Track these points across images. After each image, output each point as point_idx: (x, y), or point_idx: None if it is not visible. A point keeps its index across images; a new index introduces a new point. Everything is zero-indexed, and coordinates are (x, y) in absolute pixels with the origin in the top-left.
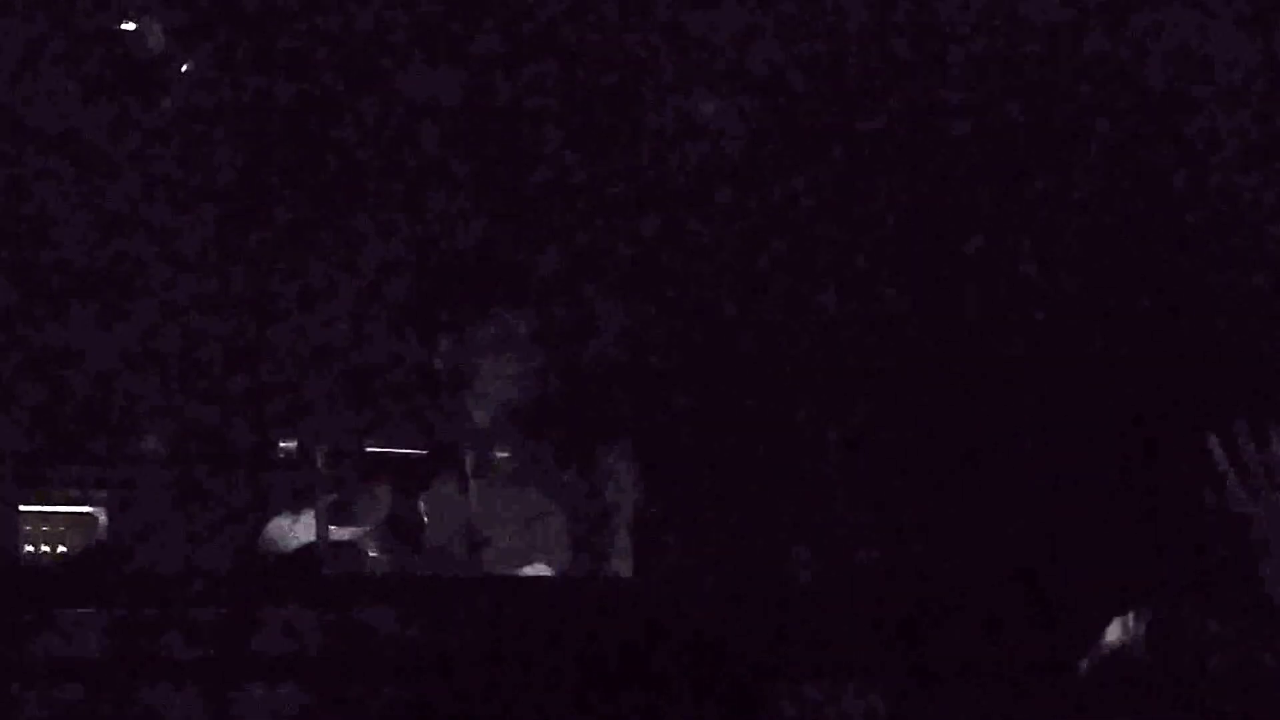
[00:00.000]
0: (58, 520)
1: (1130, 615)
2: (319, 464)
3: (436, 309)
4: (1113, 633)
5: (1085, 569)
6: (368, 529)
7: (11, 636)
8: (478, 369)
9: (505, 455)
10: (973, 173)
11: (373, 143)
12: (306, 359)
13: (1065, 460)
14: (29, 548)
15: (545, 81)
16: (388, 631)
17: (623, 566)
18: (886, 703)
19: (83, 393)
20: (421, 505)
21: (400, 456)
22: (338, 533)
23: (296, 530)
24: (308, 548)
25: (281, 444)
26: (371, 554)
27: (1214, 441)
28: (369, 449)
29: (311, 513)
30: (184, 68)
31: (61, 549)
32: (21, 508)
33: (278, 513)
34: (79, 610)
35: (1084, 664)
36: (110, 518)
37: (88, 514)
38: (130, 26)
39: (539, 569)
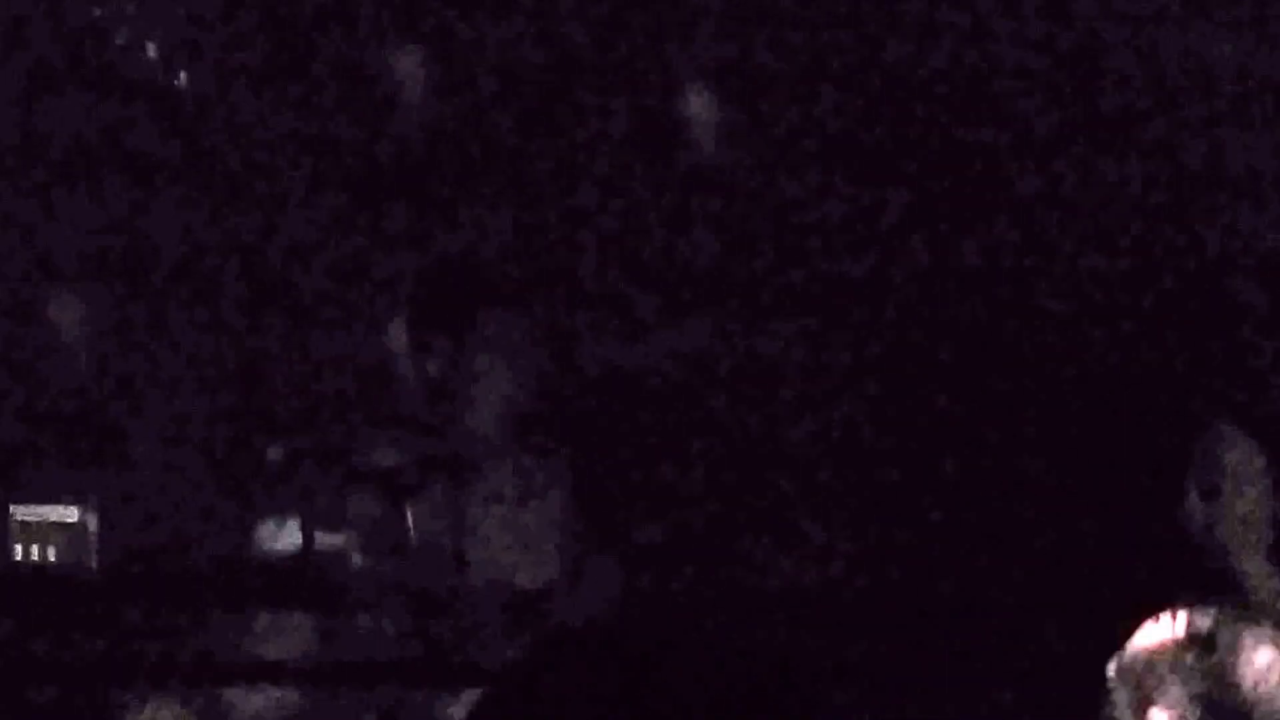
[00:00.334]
0: (46, 525)
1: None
2: (306, 470)
3: (430, 313)
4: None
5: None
6: (354, 536)
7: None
8: (471, 374)
9: (496, 462)
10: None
11: (364, 144)
12: (296, 363)
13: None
14: (18, 549)
15: (541, 81)
16: (372, 637)
17: (610, 579)
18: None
19: (71, 396)
20: (408, 513)
21: (388, 463)
22: (323, 539)
23: (282, 536)
24: (294, 554)
25: (269, 450)
26: (357, 561)
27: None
28: (356, 455)
29: (298, 519)
30: (180, 80)
31: (50, 553)
32: (11, 510)
33: (264, 519)
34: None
35: None
36: (99, 522)
37: (76, 520)
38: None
39: (527, 580)
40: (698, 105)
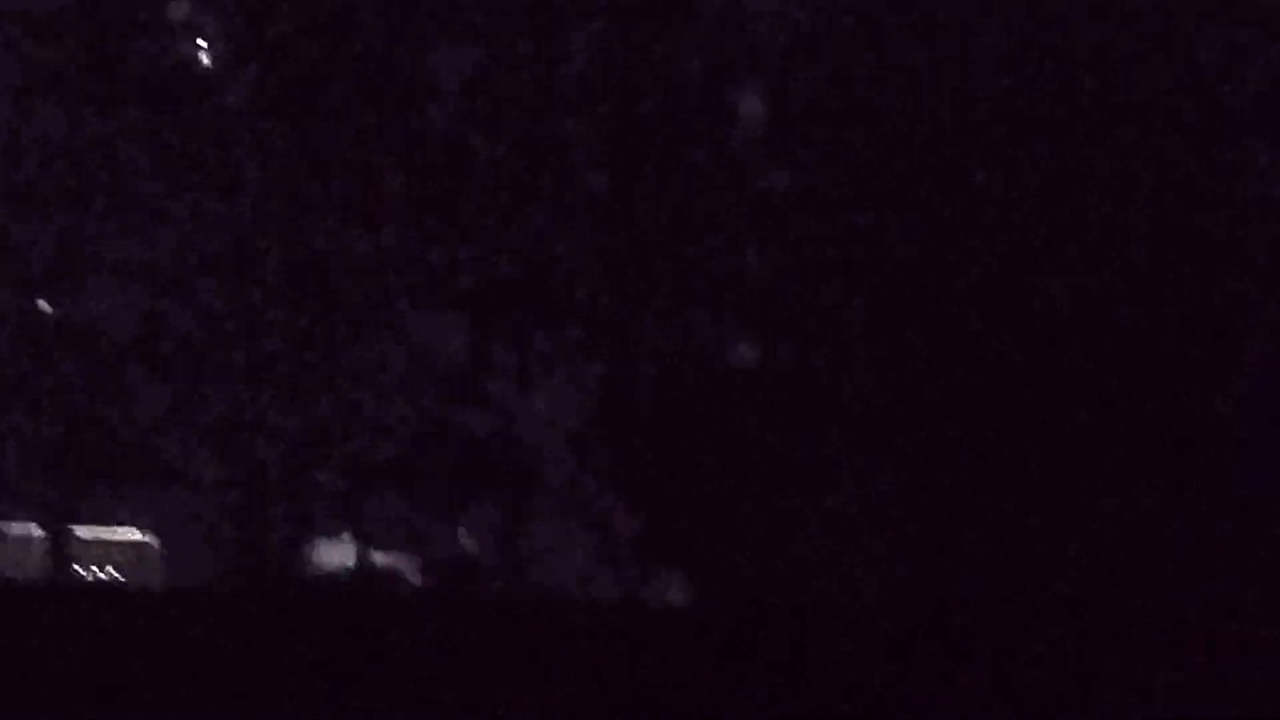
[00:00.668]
0: (112, 545)
1: None
2: (361, 488)
3: (487, 331)
4: None
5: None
6: (408, 553)
7: (64, 656)
8: (528, 390)
9: (552, 477)
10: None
11: (425, 164)
12: (352, 383)
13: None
14: (81, 570)
15: (591, 103)
16: (427, 652)
17: (675, 592)
18: None
19: (135, 420)
20: (462, 529)
21: (443, 480)
22: (379, 557)
23: (338, 554)
24: (349, 571)
25: (324, 469)
26: (411, 578)
27: None
28: (411, 473)
29: (353, 536)
30: (229, 87)
31: (113, 572)
32: (75, 531)
33: (321, 537)
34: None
35: None
36: (162, 541)
37: (140, 538)
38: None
39: (584, 592)
40: (753, 128)
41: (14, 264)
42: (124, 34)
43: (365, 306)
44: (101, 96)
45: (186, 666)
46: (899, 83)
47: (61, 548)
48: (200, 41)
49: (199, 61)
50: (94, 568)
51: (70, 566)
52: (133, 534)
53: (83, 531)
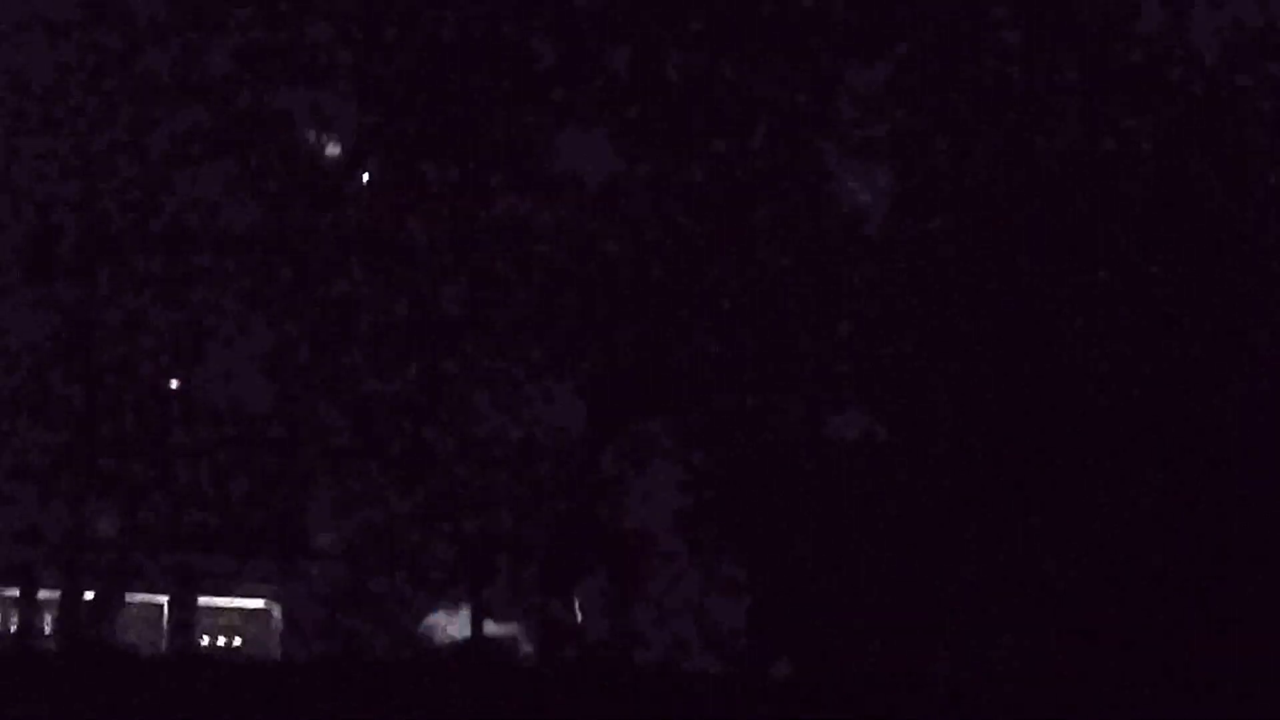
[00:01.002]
0: (234, 613)
1: None
2: (476, 560)
3: (603, 413)
4: None
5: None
6: (522, 624)
7: None
8: (639, 470)
9: (663, 551)
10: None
11: (542, 255)
12: (470, 460)
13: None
14: (206, 639)
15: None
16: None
17: (781, 665)
18: None
19: (256, 494)
20: (576, 601)
21: (556, 552)
22: (494, 627)
23: (454, 624)
24: (465, 641)
25: (440, 542)
26: (526, 648)
27: None
28: (526, 545)
29: (468, 607)
30: (364, 177)
31: (238, 641)
32: (200, 601)
33: (437, 608)
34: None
35: None
36: (284, 612)
37: (262, 608)
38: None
39: (697, 665)
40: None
41: (146, 343)
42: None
43: (486, 384)
44: None
45: None
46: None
47: (185, 617)
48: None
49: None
50: (221, 637)
51: (193, 634)
52: (257, 603)
53: (208, 600)
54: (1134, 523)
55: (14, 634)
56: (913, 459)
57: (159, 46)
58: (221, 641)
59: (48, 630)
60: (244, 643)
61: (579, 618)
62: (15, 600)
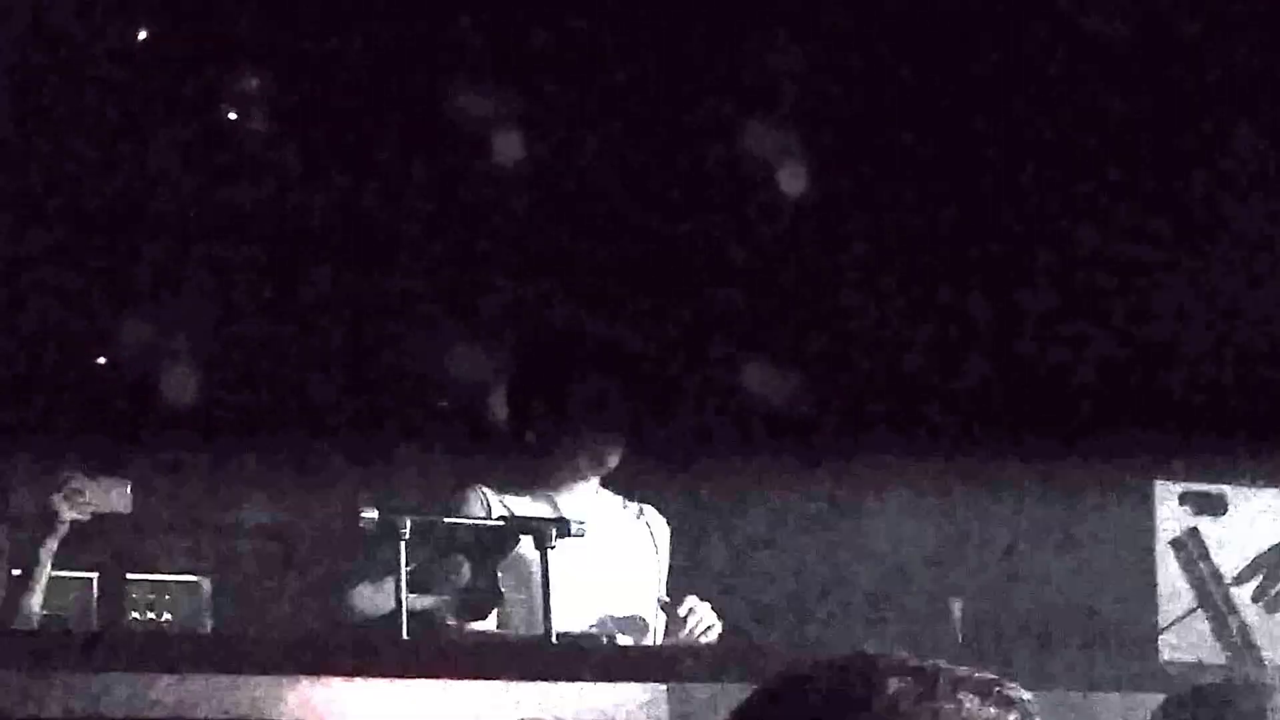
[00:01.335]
0: (164, 588)
1: None
2: (401, 533)
3: (527, 379)
4: None
5: None
6: (446, 598)
7: (120, 701)
8: (565, 439)
9: (583, 524)
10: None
11: (466, 213)
12: (392, 427)
13: None
14: (135, 615)
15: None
16: (465, 693)
17: (709, 637)
18: None
19: (186, 463)
20: (500, 574)
21: (480, 525)
22: (417, 601)
23: (378, 599)
24: (389, 616)
25: (363, 514)
26: (450, 622)
27: None
28: (449, 519)
29: (392, 581)
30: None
31: (167, 616)
32: (128, 576)
33: (360, 581)
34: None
35: None
36: (214, 586)
37: (193, 582)
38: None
39: (621, 639)
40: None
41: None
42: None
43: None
44: None
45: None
46: None
47: (114, 591)
48: None
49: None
50: (150, 612)
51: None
52: (186, 578)
53: (137, 576)
54: None
55: None
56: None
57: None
58: (150, 616)
59: None
60: (174, 617)
61: (502, 591)
62: None
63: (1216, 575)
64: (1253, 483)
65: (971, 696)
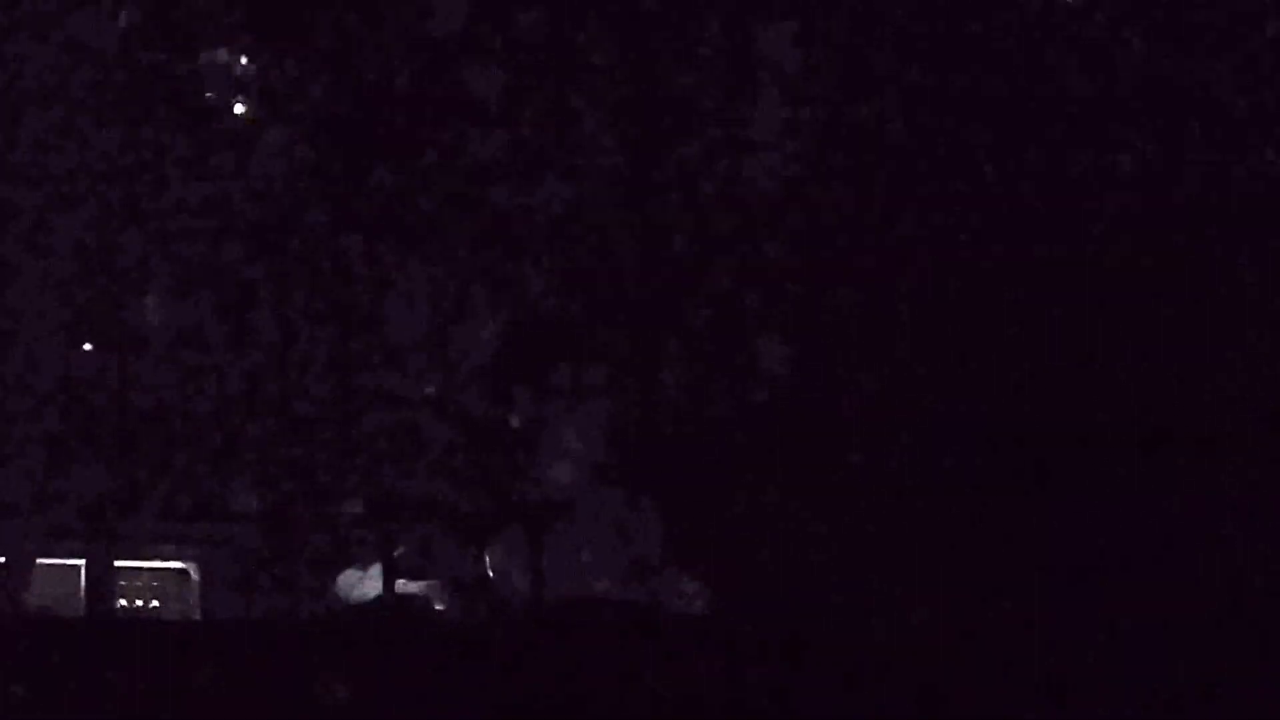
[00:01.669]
0: (151, 575)
1: None
2: (389, 518)
3: (511, 366)
4: None
5: None
6: (434, 582)
7: (104, 686)
8: (552, 424)
9: (571, 506)
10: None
11: (449, 199)
12: (381, 416)
13: None
14: (123, 602)
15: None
16: (452, 677)
17: (696, 604)
18: None
19: (173, 453)
20: (487, 558)
21: (467, 510)
22: (405, 585)
23: (366, 583)
24: (376, 600)
25: (351, 500)
26: (438, 606)
27: None
28: (437, 503)
29: (380, 566)
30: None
31: (155, 603)
32: (116, 563)
33: (348, 566)
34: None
35: None
36: (201, 573)
37: (181, 569)
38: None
39: (605, 617)
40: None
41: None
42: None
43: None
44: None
45: (221, 695)
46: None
47: (103, 579)
48: None
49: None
50: (138, 600)
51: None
52: (175, 565)
53: (125, 563)
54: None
55: None
56: (833, 393)
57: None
58: (139, 603)
59: None
60: (162, 605)
61: (490, 573)
62: None
63: None
64: None
65: None
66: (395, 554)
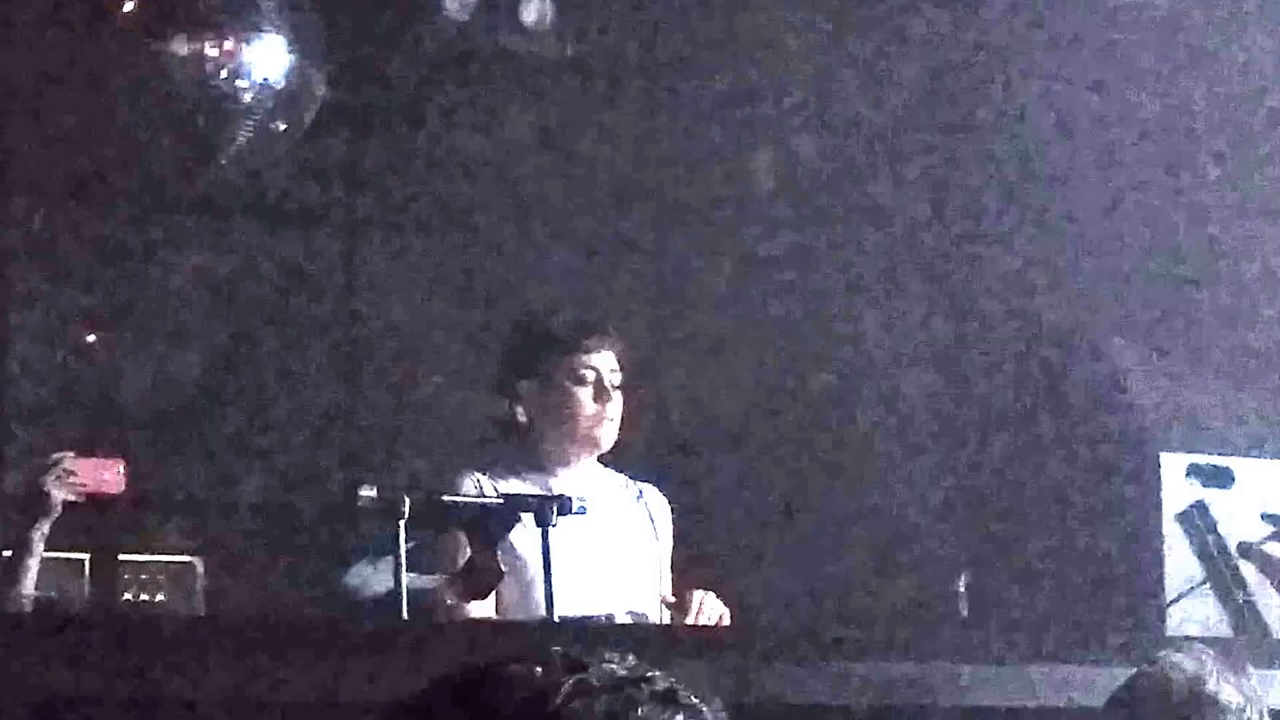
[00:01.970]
0: (157, 569)
1: None
2: (399, 512)
3: (518, 356)
4: None
5: None
6: (445, 577)
7: (115, 681)
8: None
9: (584, 501)
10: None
11: (456, 190)
12: (389, 407)
13: None
14: (128, 595)
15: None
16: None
17: (708, 612)
18: None
19: (180, 444)
20: (499, 554)
21: (479, 504)
22: (416, 580)
23: (376, 577)
24: (387, 594)
25: (362, 492)
26: (449, 601)
27: None
28: (448, 497)
29: (391, 560)
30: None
31: (160, 597)
32: (121, 556)
33: (359, 560)
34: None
35: None
36: (207, 567)
37: (187, 562)
38: None
39: (619, 618)
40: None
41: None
42: None
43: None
44: None
45: (227, 690)
46: None
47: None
48: None
49: None
50: (144, 593)
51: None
52: (180, 559)
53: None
54: None
55: None
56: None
57: None
58: (144, 597)
59: None
60: (167, 598)
61: (501, 570)
62: None
63: (1223, 548)
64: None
65: (645, 697)
66: (406, 548)
